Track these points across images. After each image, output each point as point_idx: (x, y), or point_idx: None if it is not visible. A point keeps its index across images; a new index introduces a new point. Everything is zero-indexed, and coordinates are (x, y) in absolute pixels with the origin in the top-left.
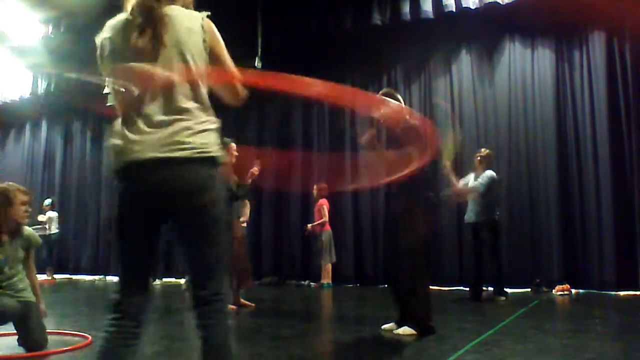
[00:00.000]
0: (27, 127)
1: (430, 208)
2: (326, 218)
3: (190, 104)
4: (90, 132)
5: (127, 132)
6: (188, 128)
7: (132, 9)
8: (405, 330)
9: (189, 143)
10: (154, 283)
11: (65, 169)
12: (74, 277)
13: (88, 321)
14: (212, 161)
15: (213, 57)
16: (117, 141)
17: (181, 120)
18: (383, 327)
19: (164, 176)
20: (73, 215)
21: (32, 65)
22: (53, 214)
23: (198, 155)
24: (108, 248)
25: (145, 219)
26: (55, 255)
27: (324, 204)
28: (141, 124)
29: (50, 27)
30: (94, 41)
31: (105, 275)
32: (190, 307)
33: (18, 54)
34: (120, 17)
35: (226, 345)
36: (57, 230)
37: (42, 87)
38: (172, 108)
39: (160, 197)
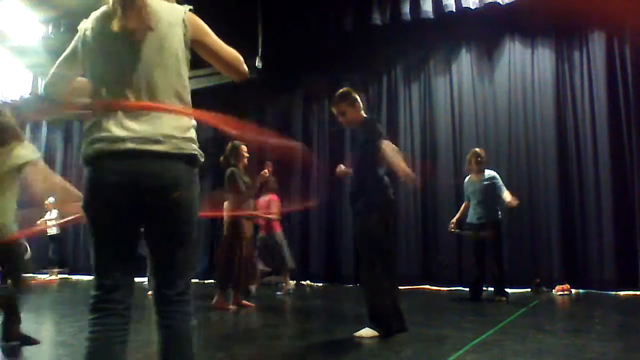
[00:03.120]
0: (27, 127)
1: (386, 206)
2: (279, 215)
3: (171, 103)
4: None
5: (106, 123)
6: (169, 125)
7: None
8: (367, 331)
9: (169, 139)
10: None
11: (66, 169)
12: (74, 277)
13: (87, 321)
14: (189, 159)
15: (202, 48)
16: (95, 131)
17: (162, 117)
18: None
19: (139, 169)
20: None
21: (32, 65)
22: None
23: (176, 151)
24: None
25: (117, 211)
26: (58, 254)
27: (275, 199)
28: (121, 117)
29: (50, 27)
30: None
31: None
32: (152, 304)
33: (18, 54)
34: (102, 8)
35: (188, 347)
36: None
37: (42, 87)
38: (150, 113)
39: (133, 189)
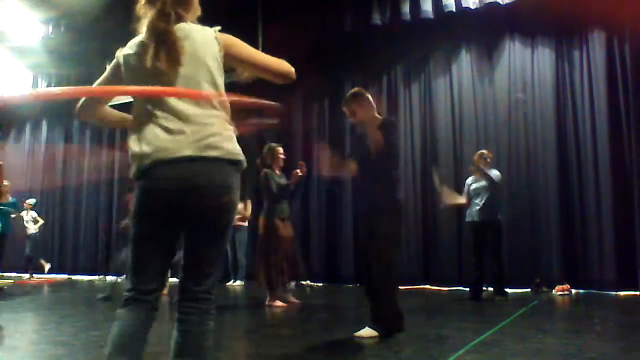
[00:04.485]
0: (27, 127)
1: (396, 208)
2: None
3: (214, 112)
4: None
5: (156, 132)
6: (216, 132)
7: (146, 31)
8: (367, 331)
9: (219, 145)
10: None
11: (66, 168)
12: (73, 277)
13: (88, 321)
14: (237, 164)
15: (238, 61)
16: (147, 141)
17: (209, 124)
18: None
19: (193, 173)
20: (72, 215)
21: (32, 65)
22: (34, 214)
23: (226, 156)
24: (106, 248)
25: (168, 217)
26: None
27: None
28: (170, 125)
29: (50, 27)
30: (94, 41)
31: (105, 275)
32: (176, 300)
33: (18, 54)
34: (138, 38)
35: (205, 345)
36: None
37: (42, 87)
38: (199, 114)
39: (187, 194)
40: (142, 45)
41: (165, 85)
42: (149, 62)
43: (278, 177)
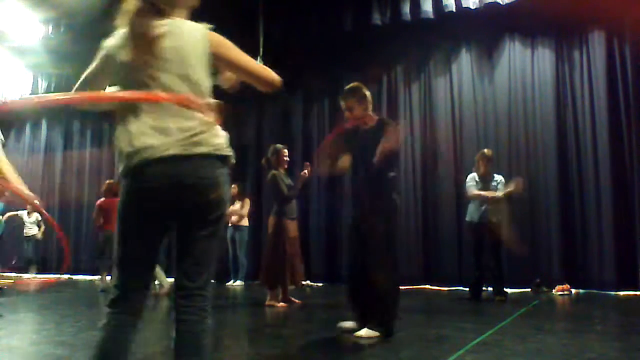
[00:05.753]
0: (27, 127)
1: (392, 209)
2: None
3: (199, 114)
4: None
5: (144, 130)
6: (203, 128)
7: (127, 26)
8: (366, 331)
9: (205, 141)
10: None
11: (65, 168)
12: (74, 277)
13: (88, 321)
14: (224, 160)
15: (225, 63)
16: (132, 140)
17: (196, 119)
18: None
19: (181, 171)
20: (72, 215)
21: (32, 65)
22: (38, 216)
23: (214, 152)
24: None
25: (155, 215)
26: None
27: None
28: (157, 123)
29: (50, 27)
30: (94, 41)
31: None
32: (172, 299)
33: (18, 54)
34: (123, 31)
35: (203, 343)
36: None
37: (42, 87)
38: (183, 116)
39: (175, 191)
40: (124, 39)
41: (147, 80)
42: (125, 55)
43: (286, 178)
